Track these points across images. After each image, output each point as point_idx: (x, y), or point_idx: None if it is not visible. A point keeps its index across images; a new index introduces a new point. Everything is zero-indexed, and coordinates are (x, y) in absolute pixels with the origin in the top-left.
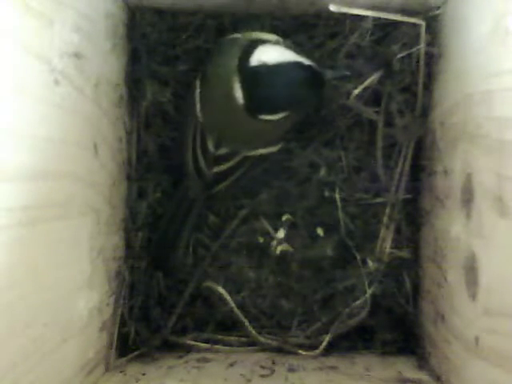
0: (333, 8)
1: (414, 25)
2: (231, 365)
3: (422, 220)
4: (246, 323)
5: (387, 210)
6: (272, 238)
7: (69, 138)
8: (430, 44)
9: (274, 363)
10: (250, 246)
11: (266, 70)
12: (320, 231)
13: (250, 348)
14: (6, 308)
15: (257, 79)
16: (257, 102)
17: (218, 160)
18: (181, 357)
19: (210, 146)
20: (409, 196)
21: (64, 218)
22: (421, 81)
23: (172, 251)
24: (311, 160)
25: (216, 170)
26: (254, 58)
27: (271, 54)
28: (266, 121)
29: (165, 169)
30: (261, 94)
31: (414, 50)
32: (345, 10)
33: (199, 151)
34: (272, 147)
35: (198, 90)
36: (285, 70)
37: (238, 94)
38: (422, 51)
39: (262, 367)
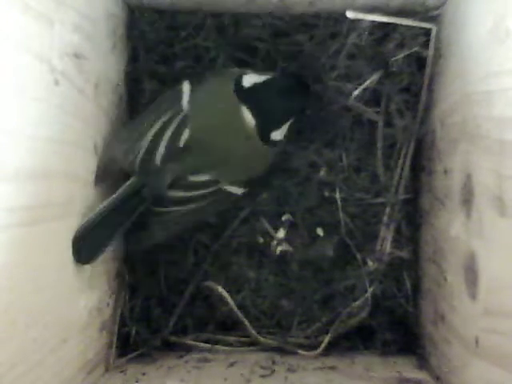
0: (349, 15)
1: (413, 27)
2: (231, 365)
3: (421, 220)
4: (246, 323)
5: (387, 210)
6: (272, 238)
7: (69, 138)
8: (424, 44)
9: (274, 363)
10: (250, 246)
11: (260, 86)
12: (320, 231)
13: (250, 348)
14: (6, 308)
15: (256, 96)
16: (264, 117)
17: (188, 187)
18: (181, 357)
19: (188, 172)
20: (409, 196)
21: (64, 217)
22: (426, 82)
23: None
24: (311, 160)
25: (172, 194)
26: (245, 82)
27: (254, 77)
28: (268, 145)
29: None
30: (264, 107)
31: (413, 50)
32: (361, 16)
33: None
34: (253, 180)
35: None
36: (273, 82)
37: (246, 115)
38: (431, 54)
39: (262, 367)
